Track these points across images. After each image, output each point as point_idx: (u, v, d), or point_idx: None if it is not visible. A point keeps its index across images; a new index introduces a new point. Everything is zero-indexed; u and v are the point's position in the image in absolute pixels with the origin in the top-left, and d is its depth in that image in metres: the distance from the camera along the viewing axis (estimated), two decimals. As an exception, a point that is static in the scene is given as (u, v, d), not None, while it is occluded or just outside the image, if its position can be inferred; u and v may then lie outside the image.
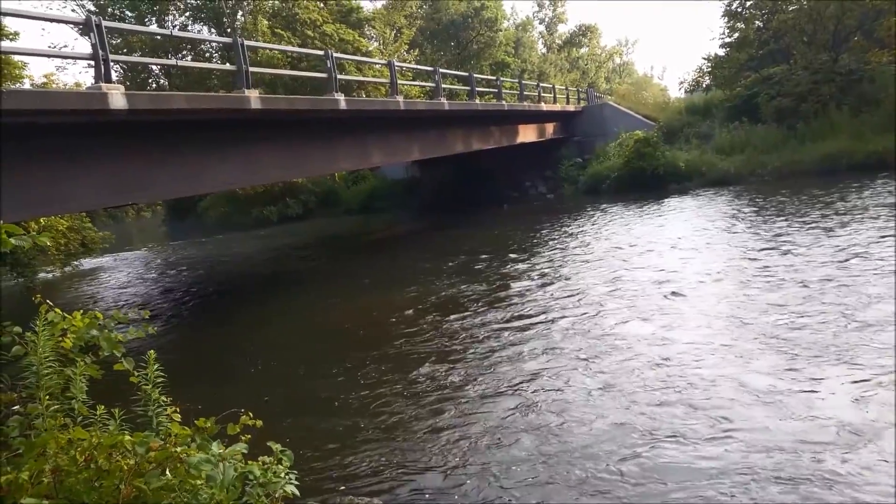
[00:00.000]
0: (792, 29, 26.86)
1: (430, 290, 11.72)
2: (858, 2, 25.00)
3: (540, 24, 66.64)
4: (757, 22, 29.36)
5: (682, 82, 36.09)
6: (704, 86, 31.82)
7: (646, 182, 21.88)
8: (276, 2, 33.43)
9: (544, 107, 25.58)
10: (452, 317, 9.70)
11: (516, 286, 11.19)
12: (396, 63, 16.90)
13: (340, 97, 12.68)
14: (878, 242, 10.46)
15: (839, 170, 19.23)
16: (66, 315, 3.08)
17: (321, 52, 13.87)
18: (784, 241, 11.66)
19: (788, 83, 24.19)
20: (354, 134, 14.34)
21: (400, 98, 15.23)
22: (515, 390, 6.59)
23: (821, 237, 11.55)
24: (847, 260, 9.75)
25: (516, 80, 27.13)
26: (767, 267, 10.07)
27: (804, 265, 9.83)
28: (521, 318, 9.21)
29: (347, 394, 7.08)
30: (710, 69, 30.26)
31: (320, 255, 19.45)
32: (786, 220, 13.71)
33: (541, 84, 29.01)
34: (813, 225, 12.71)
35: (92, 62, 8.06)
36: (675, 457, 4.84)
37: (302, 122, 12.45)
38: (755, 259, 10.74)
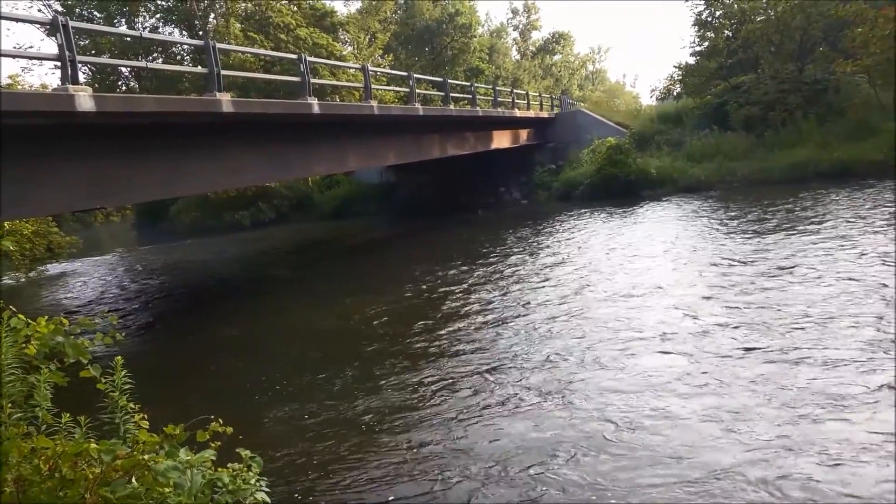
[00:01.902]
0: (760, 39, 27.43)
1: (405, 297, 11.68)
2: (824, 12, 25.64)
3: (514, 30, 67.28)
4: (726, 31, 29.93)
5: (653, 90, 36.75)
6: (675, 94, 32.27)
7: (618, 188, 22.09)
8: (249, 5, 33.20)
9: (518, 113, 25.71)
10: (430, 323, 9.68)
11: (488, 292, 11.23)
12: (371, 67, 16.86)
13: (314, 101, 12.60)
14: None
15: (806, 178, 19.63)
16: (29, 321, 3.02)
17: (294, 56, 13.77)
18: (755, 252, 11.88)
19: (756, 92, 24.68)
20: (330, 138, 14.28)
21: (374, 103, 15.20)
22: (497, 399, 6.55)
23: (796, 247, 11.77)
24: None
25: (490, 87, 27.21)
26: (729, 275, 10.26)
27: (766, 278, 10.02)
28: (494, 323, 9.26)
29: (324, 400, 7.01)
30: (680, 77, 30.71)
31: (294, 261, 19.27)
32: (756, 229, 13.97)
33: (515, 90, 29.20)
34: (791, 233, 12.96)
35: (59, 63, 7.91)
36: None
37: (276, 125, 12.35)
38: (720, 267, 10.92)
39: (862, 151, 19.83)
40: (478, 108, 22.25)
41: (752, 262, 10.77)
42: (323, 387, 7.44)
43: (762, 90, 24.56)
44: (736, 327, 7.66)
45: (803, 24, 25.82)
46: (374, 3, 45.78)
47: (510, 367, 7.32)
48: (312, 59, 15.16)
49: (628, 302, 9.43)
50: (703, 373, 6.43)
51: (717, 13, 29.96)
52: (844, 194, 16.26)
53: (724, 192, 20.69)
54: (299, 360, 8.77)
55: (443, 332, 9.10)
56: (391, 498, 4.86)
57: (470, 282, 12.18)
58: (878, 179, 17.55)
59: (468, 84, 24.99)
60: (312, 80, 13.21)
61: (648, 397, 6.03)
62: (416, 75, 18.53)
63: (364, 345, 8.97)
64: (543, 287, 11.11)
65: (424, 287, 12.18)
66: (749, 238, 12.78)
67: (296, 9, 33.62)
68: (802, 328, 7.32)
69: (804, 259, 10.44)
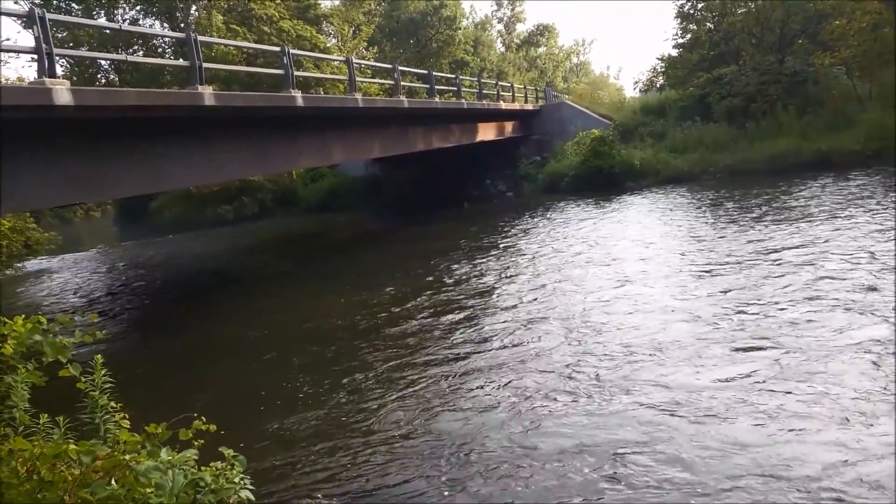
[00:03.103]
0: (741, 31, 27.63)
1: (397, 292, 11.55)
2: (802, 4, 25.92)
3: (498, 23, 67.18)
4: (708, 24, 30.07)
5: (636, 82, 36.73)
6: (658, 86, 32.40)
7: (602, 180, 22.15)
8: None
9: (503, 105, 25.70)
10: (416, 317, 9.64)
11: (475, 286, 11.21)
12: (355, 60, 16.76)
13: (297, 94, 12.54)
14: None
15: (787, 168, 19.79)
16: (6, 320, 2.97)
17: (277, 49, 13.68)
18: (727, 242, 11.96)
19: (738, 83, 24.83)
20: (314, 131, 14.19)
21: (358, 95, 15.14)
22: (482, 393, 6.49)
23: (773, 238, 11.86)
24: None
25: (475, 79, 27.18)
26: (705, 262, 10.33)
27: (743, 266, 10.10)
28: (479, 317, 9.26)
29: (309, 396, 6.96)
30: (663, 69, 30.83)
31: (280, 256, 19.13)
32: (740, 218, 14.07)
33: (499, 83, 29.15)
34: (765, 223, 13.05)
35: (35, 56, 7.78)
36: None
37: (260, 119, 12.25)
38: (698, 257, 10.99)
39: (840, 142, 20.08)
40: (463, 101, 22.21)
41: (742, 248, 10.84)
42: (317, 384, 7.33)
43: (743, 82, 24.72)
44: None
45: (783, 16, 26.08)
46: (358, -6, 45.50)
47: (530, 360, 7.13)
48: (296, 51, 15.05)
49: (629, 292, 9.36)
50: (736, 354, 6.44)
51: (699, 5, 30.10)
52: (824, 184, 16.43)
53: (706, 182, 20.80)
54: (291, 357, 8.62)
55: (440, 327, 8.96)
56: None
57: (463, 276, 12.07)
58: (856, 169, 17.77)
59: (453, 76, 24.93)
60: (296, 73, 13.13)
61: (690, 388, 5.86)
62: (400, 68, 18.45)
63: (347, 341, 8.89)
64: (542, 277, 11.11)
65: (415, 282, 12.10)
66: (735, 226, 12.85)
67: (279, 1, 33.35)
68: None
69: (799, 246, 10.54)
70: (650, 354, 6.78)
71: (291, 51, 13.25)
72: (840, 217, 12.35)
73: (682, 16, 30.25)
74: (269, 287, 14.12)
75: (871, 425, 4.77)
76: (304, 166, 21.83)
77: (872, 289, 7.80)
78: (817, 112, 22.43)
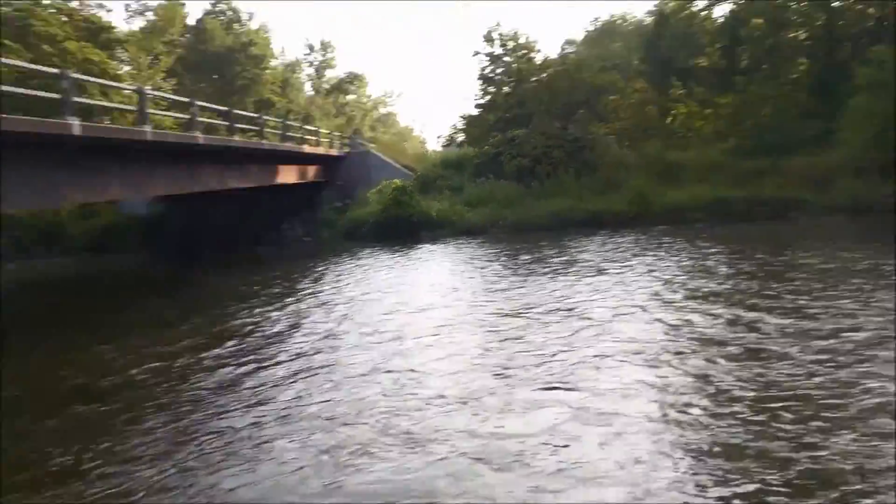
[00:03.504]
0: (532, 98, 30.45)
1: (170, 343, 10.59)
2: (584, 78, 29.44)
3: (309, 66, 67.23)
4: (506, 88, 32.79)
5: (440, 137, 38.76)
6: (459, 142, 34.38)
7: (402, 229, 22.87)
8: (9, 10, 29.52)
9: (307, 149, 25.63)
10: (201, 370, 8.95)
11: (267, 336, 10.74)
12: (149, 91, 15.85)
13: (75, 121, 11.50)
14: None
15: (566, 225, 21.95)
16: None
17: (56, 71, 12.56)
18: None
19: (527, 145, 27.12)
20: (93, 163, 12.99)
21: (148, 128, 14.26)
22: (278, 450, 6.06)
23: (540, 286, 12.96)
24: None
25: (281, 120, 26.84)
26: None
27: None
28: (274, 368, 8.82)
29: (64, 469, 6.04)
30: (463, 127, 32.87)
31: (37, 304, 16.93)
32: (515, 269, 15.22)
33: (305, 126, 29.10)
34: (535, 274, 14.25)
35: None
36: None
37: (27, 146, 10.98)
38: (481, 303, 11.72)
39: (609, 203, 22.79)
40: (264, 141, 21.80)
41: (539, 296, 11.55)
42: (77, 452, 6.40)
43: (532, 144, 26.98)
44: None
45: (569, 87, 29.28)
46: (159, 23, 43.31)
47: (336, 414, 6.76)
48: (78, 76, 13.88)
49: (437, 341, 9.42)
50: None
51: (499, 70, 32.79)
52: (593, 239, 18.48)
53: (496, 235, 22.36)
54: (48, 421, 7.47)
55: (227, 381, 8.29)
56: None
57: (254, 325, 11.38)
58: (624, 228, 20.21)
59: (256, 115, 24.45)
60: (78, 99, 12.11)
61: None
62: (199, 103, 17.72)
63: (134, 400, 7.85)
64: (343, 325, 10.90)
65: (198, 332, 11.26)
66: (533, 276, 13.81)
67: (66, 19, 30.68)
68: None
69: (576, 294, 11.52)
70: (462, 403, 6.78)
71: (73, 74, 12.24)
72: (615, 270, 13.87)
73: (484, 78, 32.68)
74: (27, 340, 12.32)
75: (657, 467, 5.20)
76: (76, 201, 19.41)
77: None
78: (592, 175, 25.19)
